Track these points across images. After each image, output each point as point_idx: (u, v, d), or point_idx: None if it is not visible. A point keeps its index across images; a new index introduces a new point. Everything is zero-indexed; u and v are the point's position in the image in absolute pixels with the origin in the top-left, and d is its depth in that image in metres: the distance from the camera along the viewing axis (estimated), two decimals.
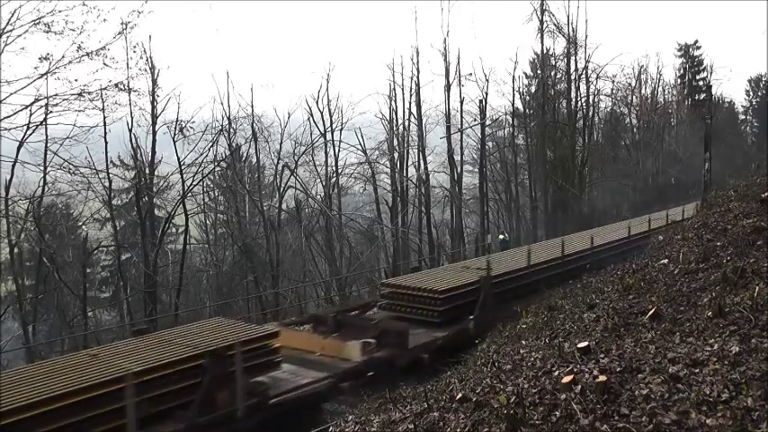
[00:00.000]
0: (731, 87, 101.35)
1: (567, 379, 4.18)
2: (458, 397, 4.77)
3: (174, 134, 24.81)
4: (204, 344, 8.91)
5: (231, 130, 27.28)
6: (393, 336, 10.76)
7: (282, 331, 10.85)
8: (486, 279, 13.29)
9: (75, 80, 21.44)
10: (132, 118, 23.66)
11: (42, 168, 21.81)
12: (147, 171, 24.74)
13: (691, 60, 52.88)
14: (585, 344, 4.92)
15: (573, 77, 37.00)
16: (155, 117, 24.21)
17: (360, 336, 10.75)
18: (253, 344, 9.29)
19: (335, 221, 29.46)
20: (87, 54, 21.21)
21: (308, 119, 29.56)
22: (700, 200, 26.82)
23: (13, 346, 23.11)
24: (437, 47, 34.45)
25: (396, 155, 32.40)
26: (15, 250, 22.65)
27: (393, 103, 32.57)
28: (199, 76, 70.60)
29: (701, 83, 52.17)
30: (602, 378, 4.07)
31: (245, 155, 31.70)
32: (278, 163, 28.97)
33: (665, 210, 25.61)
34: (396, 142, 32.52)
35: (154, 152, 24.64)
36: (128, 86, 23.10)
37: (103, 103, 22.46)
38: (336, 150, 30.42)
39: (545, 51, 36.23)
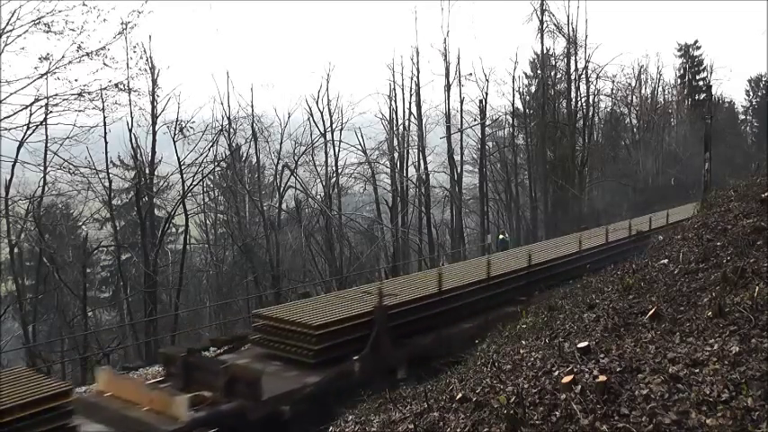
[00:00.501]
0: (731, 87, 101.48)
1: (567, 379, 4.17)
2: (458, 397, 4.78)
3: (174, 134, 24.88)
4: None
5: (231, 130, 27.33)
6: (243, 384, 8.77)
7: (109, 378, 9.38)
8: (381, 309, 10.98)
9: (76, 80, 21.55)
10: (132, 118, 23.75)
11: (42, 168, 21.83)
12: (147, 171, 24.75)
13: (691, 60, 52.86)
14: (585, 344, 4.92)
15: (573, 77, 37.06)
16: (155, 117, 24.25)
17: (210, 382, 8.83)
18: (33, 407, 7.30)
19: (335, 221, 29.47)
20: (87, 54, 21.26)
21: (308, 119, 29.63)
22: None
23: (13, 346, 23.16)
24: (437, 47, 34.63)
25: (396, 155, 32.43)
26: (15, 250, 22.66)
27: (393, 103, 32.67)
28: (199, 76, 70.79)
29: (700, 83, 52.14)
30: (602, 378, 4.07)
31: (245, 155, 31.74)
32: (278, 163, 29.02)
33: (628, 218, 24.34)
34: (396, 142, 32.54)
35: (154, 152, 24.68)
36: (128, 86, 23.19)
37: (103, 103, 22.55)
38: (336, 150, 30.49)
39: (545, 51, 36.31)
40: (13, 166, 21.00)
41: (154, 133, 24.34)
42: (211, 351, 13.52)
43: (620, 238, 19.48)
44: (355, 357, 10.27)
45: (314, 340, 10.14)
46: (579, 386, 4.05)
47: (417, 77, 32.14)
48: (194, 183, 26.29)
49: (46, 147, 21.74)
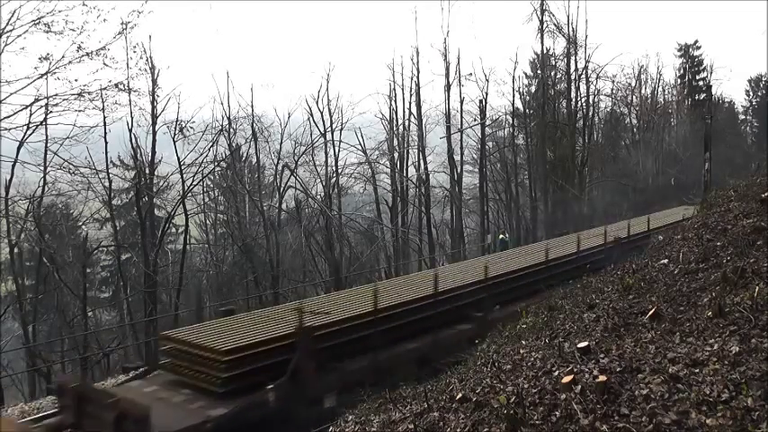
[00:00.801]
0: (731, 87, 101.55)
1: (567, 379, 4.18)
2: (458, 397, 4.78)
3: (174, 134, 24.86)
4: None
5: (231, 130, 27.32)
6: (132, 420, 7.80)
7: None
8: (304, 332, 9.66)
9: (76, 80, 21.54)
10: (132, 118, 23.72)
11: (42, 168, 21.84)
12: (147, 171, 24.74)
13: (691, 60, 52.89)
14: (585, 344, 4.92)
15: (573, 77, 37.05)
16: (155, 117, 24.23)
17: (101, 417, 7.92)
18: None
19: (335, 221, 29.46)
20: (87, 54, 21.24)
21: (308, 119, 29.63)
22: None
23: (13, 346, 23.15)
24: (437, 47, 34.74)
25: (396, 155, 32.44)
26: (15, 250, 22.67)
27: (393, 103, 32.71)
28: (199, 76, 70.86)
29: (700, 83, 52.18)
30: (602, 378, 4.07)
31: (245, 155, 31.75)
32: (278, 163, 29.02)
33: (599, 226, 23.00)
34: (396, 142, 32.55)
35: (154, 152, 24.66)
36: (128, 86, 23.16)
37: (103, 103, 22.53)
38: (336, 150, 30.48)
39: (545, 51, 36.32)
40: (13, 166, 21.00)
41: (154, 133, 24.33)
42: (120, 378, 12.67)
43: (594, 246, 18.16)
44: (270, 386, 9.04)
45: (222, 366, 8.96)
46: (579, 386, 4.05)
47: (417, 77, 32.22)
48: (194, 183, 26.28)
49: (46, 147, 21.76)
